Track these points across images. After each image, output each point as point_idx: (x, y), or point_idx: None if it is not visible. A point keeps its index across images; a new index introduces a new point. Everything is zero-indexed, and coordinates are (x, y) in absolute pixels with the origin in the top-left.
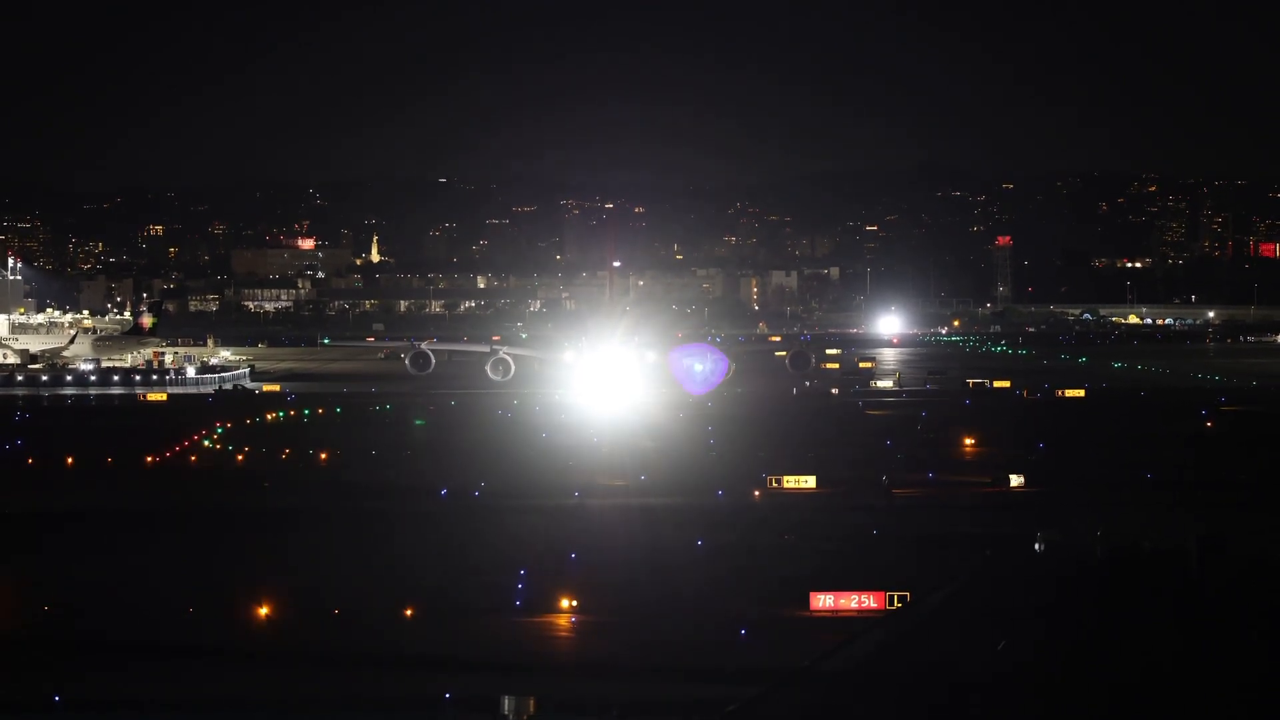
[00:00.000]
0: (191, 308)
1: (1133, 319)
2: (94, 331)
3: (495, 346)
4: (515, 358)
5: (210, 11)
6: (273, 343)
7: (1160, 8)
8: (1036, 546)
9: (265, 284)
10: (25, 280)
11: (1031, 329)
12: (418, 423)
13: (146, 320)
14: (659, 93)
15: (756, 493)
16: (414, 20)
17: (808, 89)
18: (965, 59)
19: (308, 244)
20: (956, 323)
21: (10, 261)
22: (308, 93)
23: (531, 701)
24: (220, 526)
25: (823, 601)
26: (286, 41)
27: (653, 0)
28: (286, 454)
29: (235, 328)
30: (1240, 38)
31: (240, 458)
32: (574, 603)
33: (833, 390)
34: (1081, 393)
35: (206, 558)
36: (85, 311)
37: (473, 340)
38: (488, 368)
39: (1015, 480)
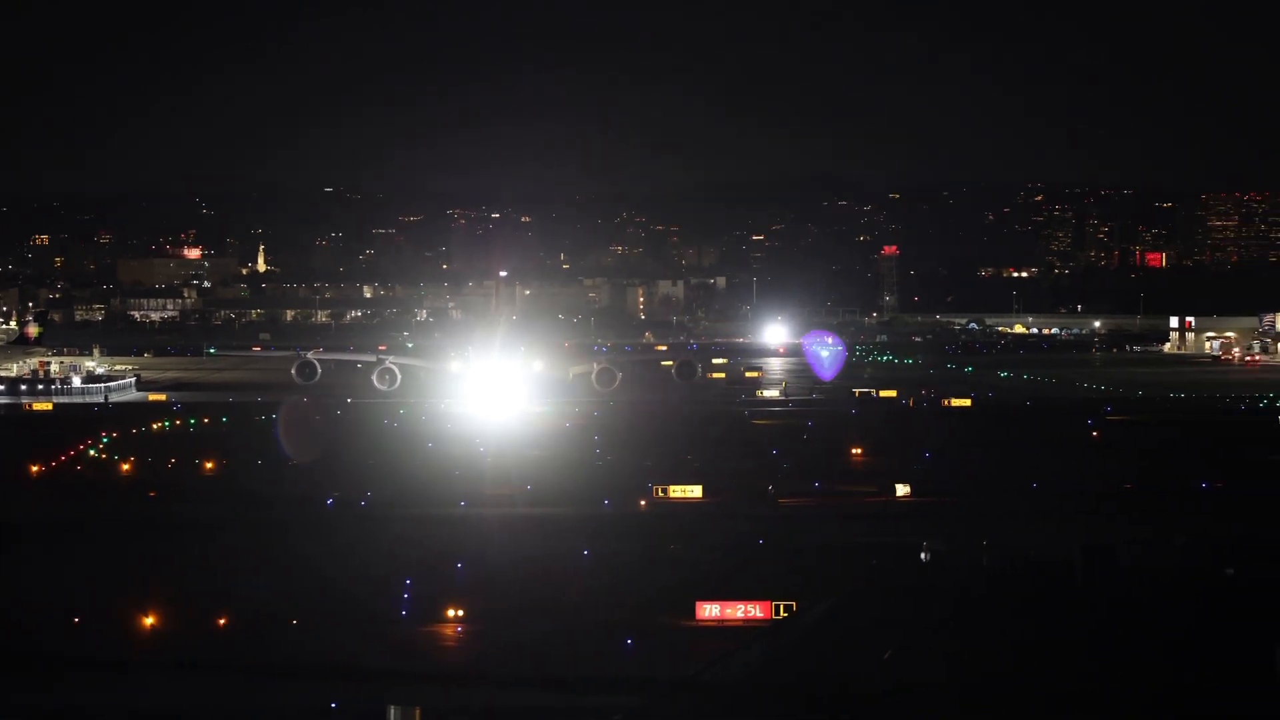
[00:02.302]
0: (78, 317)
1: (1019, 328)
2: None
3: (381, 356)
4: (402, 367)
5: (95, 22)
6: (158, 352)
7: (1045, 19)
8: (922, 556)
9: (151, 293)
10: None
11: (918, 338)
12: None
13: (32, 330)
14: (545, 103)
15: (643, 502)
16: (304, 34)
17: (695, 99)
18: (852, 69)
19: (194, 253)
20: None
21: None
22: (195, 103)
23: (418, 710)
24: (107, 536)
25: (709, 611)
26: (174, 53)
27: (538, 12)
28: (173, 463)
29: (121, 337)
30: (1126, 49)
31: (126, 467)
32: (460, 612)
33: (718, 399)
34: (968, 402)
35: (93, 567)
36: None
37: (359, 350)
38: (374, 377)
39: (901, 490)
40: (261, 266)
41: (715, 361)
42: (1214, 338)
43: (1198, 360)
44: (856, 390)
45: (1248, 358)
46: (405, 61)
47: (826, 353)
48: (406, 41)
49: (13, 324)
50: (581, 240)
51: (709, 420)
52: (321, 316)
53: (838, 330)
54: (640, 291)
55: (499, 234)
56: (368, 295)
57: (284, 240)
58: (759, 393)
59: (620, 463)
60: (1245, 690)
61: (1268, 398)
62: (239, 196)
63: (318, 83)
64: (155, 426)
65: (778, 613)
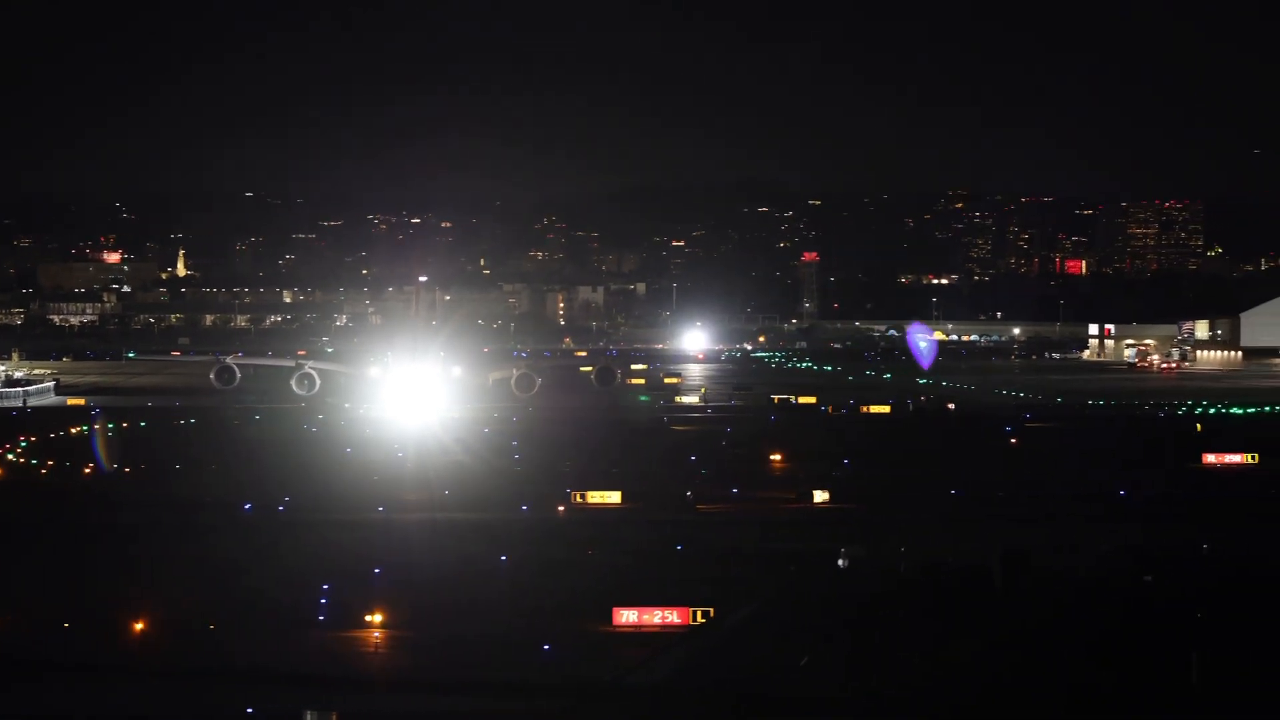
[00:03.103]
0: None
1: (938, 335)
2: None
3: (301, 361)
4: (321, 372)
5: (11, 27)
6: (78, 357)
7: (965, 26)
8: (840, 563)
9: (71, 298)
10: None
11: (837, 345)
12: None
13: None
14: (465, 109)
15: (561, 508)
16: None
17: (615, 106)
18: (771, 75)
19: (114, 258)
20: (762, 338)
21: None
22: (115, 106)
23: (335, 715)
24: (22, 540)
25: (626, 617)
26: (91, 56)
27: (458, 14)
28: (90, 468)
29: (40, 342)
30: (1044, 56)
31: (44, 472)
32: (378, 617)
33: (637, 405)
34: (886, 409)
35: (6, 571)
36: None
37: (278, 355)
38: (293, 382)
39: (820, 496)
40: (181, 271)
41: (635, 367)
42: (1134, 345)
43: (1114, 368)
44: (775, 397)
45: (1164, 365)
46: (327, 70)
47: (925, 344)
48: (328, 52)
49: None
50: (502, 246)
51: (628, 426)
52: (241, 321)
53: (755, 337)
54: (560, 297)
55: (419, 239)
56: (288, 300)
57: (204, 245)
58: (678, 399)
59: (539, 468)
60: (1161, 697)
61: (1185, 405)
62: (159, 201)
63: (239, 90)
64: (73, 431)
65: (696, 619)
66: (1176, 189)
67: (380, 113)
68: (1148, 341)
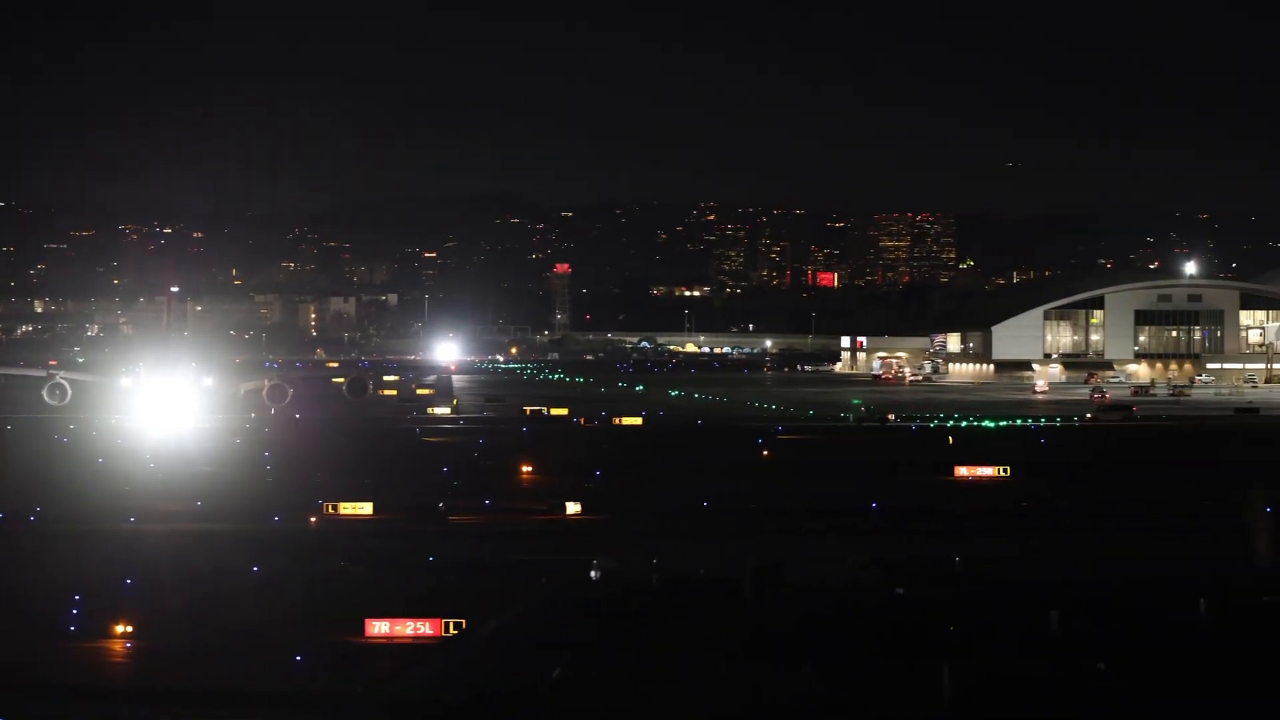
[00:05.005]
0: None
1: (690, 347)
2: None
3: (52, 371)
4: (72, 382)
5: None
6: None
7: (718, 38)
8: (593, 574)
9: None
10: None
11: (590, 357)
12: None
13: None
14: (218, 117)
15: (313, 519)
16: None
17: (367, 115)
18: (523, 87)
19: None
20: (515, 350)
21: None
22: None
23: None
24: None
25: (378, 628)
26: None
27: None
28: None
29: None
30: (797, 65)
31: None
32: (129, 629)
33: (389, 416)
34: (639, 421)
35: None
36: None
37: (29, 365)
38: (44, 392)
39: (572, 508)
40: None
41: (387, 379)
42: (886, 357)
43: (860, 380)
44: (527, 408)
45: (913, 377)
46: (79, 85)
47: None
48: (81, 66)
49: None
50: (254, 256)
51: (380, 437)
52: None
53: (508, 348)
54: (312, 308)
55: (171, 249)
56: (38, 310)
57: None
58: (430, 410)
59: (291, 479)
60: (912, 710)
61: (939, 417)
62: None
63: None
64: None
65: (448, 630)
66: (929, 202)
67: (132, 125)
68: (900, 354)
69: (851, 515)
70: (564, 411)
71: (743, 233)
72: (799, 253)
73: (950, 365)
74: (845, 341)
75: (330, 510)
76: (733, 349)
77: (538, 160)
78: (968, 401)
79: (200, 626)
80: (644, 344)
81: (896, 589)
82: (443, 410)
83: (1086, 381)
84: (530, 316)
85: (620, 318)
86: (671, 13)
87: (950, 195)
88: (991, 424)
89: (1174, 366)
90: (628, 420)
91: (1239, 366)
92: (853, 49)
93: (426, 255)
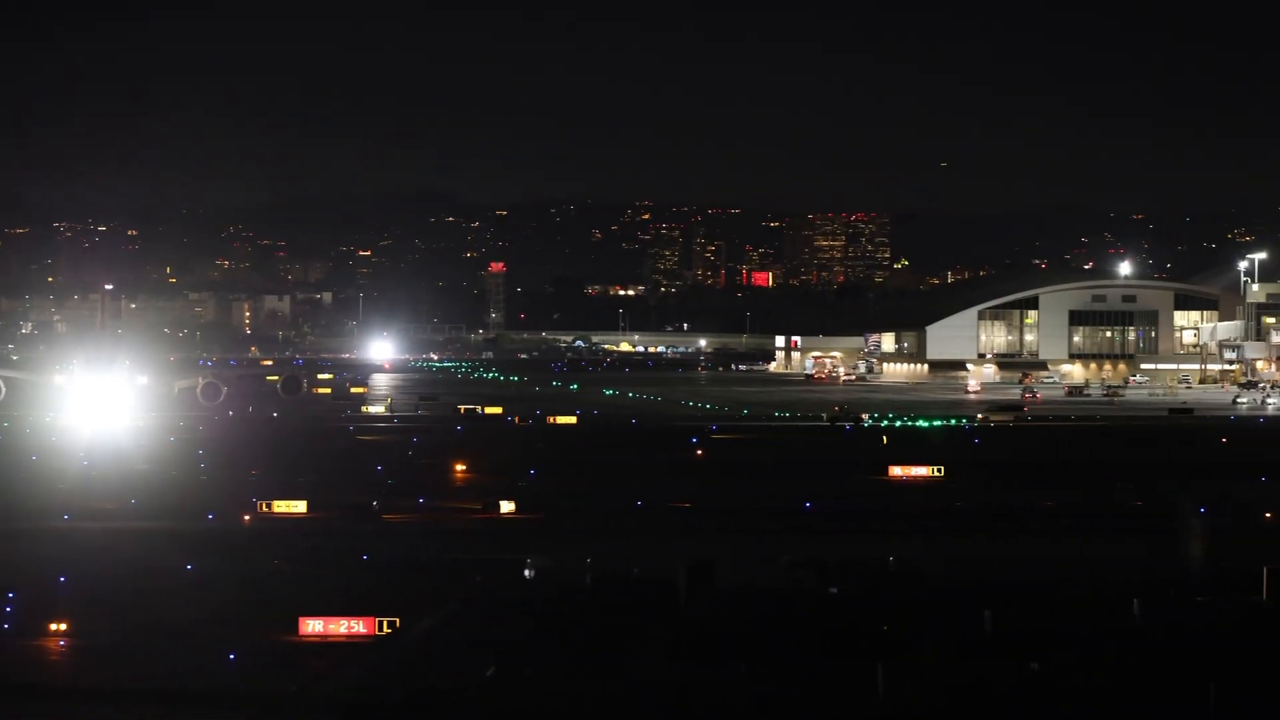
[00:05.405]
0: None
1: (625, 346)
2: None
3: None
4: (6, 380)
5: None
6: None
7: (655, 37)
8: (527, 573)
9: None
10: None
11: (524, 356)
12: None
13: None
14: (152, 114)
15: (247, 517)
16: None
17: (302, 114)
18: (455, 84)
19: None
20: (449, 351)
21: None
22: None
23: None
24: None
25: (312, 627)
26: None
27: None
28: None
29: None
30: (729, 67)
31: None
32: (63, 626)
33: (324, 415)
34: (573, 419)
35: None
36: None
37: None
38: None
39: (506, 507)
40: None
41: (321, 377)
42: (819, 357)
43: (793, 379)
44: (461, 407)
45: (847, 376)
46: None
47: None
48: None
49: None
50: (188, 254)
51: (314, 435)
52: None
53: (443, 347)
54: (246, 306)
55: (105, 247)
56: None
57: None
58: (365, 408)
59: (225, 477)
60: (847, 709)
61: (874, 416)
62: None
63: None
64: None
65: (382, 629)
66: (863, 202)
67: (66, 123)
68: (835, 354)
69: (785, 515)
70: (498, 410)
71: (677, 232)
72: (734, 252)
73: (885, 365)
74: (780, 341)
75: (264, 508)
76: (667, 348)
77: (472, 158)
78: (901, 401)
79: (134, 625)
80: (579, 343)
81: (830, 589)
82: (377, 409)
83: (1021, 382)
84: (465, 315)
85: (555, 317)
86: (606, 8)
87: (885, 195)
88: (925, 424)
89: (1108, 367)
90: (562, 419)
91: (1173, 367)
92: (786, 49)
93: (361, 253)
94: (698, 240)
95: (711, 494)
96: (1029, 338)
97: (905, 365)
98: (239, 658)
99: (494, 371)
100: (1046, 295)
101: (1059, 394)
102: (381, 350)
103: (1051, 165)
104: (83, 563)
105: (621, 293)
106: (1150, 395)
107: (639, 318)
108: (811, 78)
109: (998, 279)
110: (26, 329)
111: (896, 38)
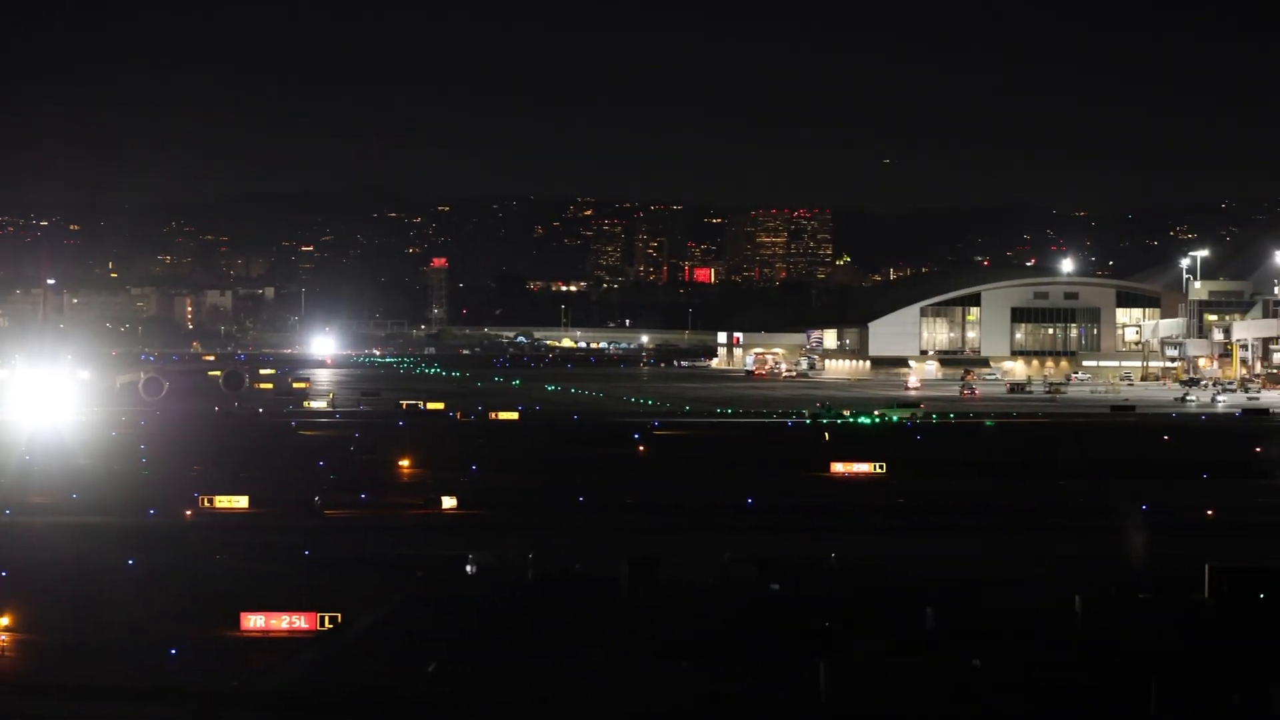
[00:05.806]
0: None
1: (567, 342)
2: None
3: None
4: None
5: None
6: None
7: (593, 33)
8: (469, 569)
9: None
10: None
11: (466, 351)
12: None
13: None
14: (93, 108)
15: (189, 512)
16: None
17: (244, 108)
18: (398, 78)
19: None
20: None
21: None
22: None
23: None
24: None
25: (254, 622)
26: None
27: (84, 14)
28: None
29: None
30: (672, 68)
31: None
32: (4, 620)
33: (266, 410)
34: (515, 415)
35: None
36: None
37: None
38: None
39: (448, 502)
40: None
41: (263, 372)
42: (761, 353)
43: (734, 375)
44: (403, 402)
45: (789, 373)
46: None
47: None
48: None
49: None
50: (130, 249)
51: (257, 431)
52: None
53: (385, 343)
54: (189, 301)
55: (46, 241)
56: None
57: None
58: (306, 404)
59: (166, 472)
60: (787, 707)
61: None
62: None
63: None
64: None
65: (323, 624)
66: (806, 198)
67: (4, 116)
68: (776, 350)
69: (728, 511)
70: (440, 406)
71: (620, 228)
72: (676, 248)
73: (826, 361)
74: (722, 337)
75: (206, 503)
76: (610, 344)
77: (414, 153)
78: (841, 398)
79: (74, 620)
80: (521, 339)
81: (772, 585)
82: (320, 404)
83: (962, 378)
84: (408, 311)
85: (497, 312)
86: (551, 4)
87: (827, 191)
88: (867, 420)
89: (1050, 363)
90: (504, 415)
91: (1115, 364)
92: (726, 45)
93: (303, 249)
94: (640, 236)
95: (653, 490)
96: (971, 335)
97: (847, 362)
98: (180, 653)
99: (436, 367)
100: (989, 292)
101: (1000, 390)
102: (324, 346)
103: (994, 162)
104: (22, 558)
105: (564, 289)
106: (1092, 392)
107: (582, 314)
108: (753, 74)
109: (940, 276)
110: None
111: (836, 35)
